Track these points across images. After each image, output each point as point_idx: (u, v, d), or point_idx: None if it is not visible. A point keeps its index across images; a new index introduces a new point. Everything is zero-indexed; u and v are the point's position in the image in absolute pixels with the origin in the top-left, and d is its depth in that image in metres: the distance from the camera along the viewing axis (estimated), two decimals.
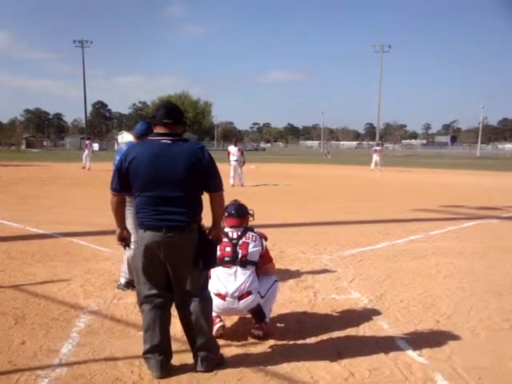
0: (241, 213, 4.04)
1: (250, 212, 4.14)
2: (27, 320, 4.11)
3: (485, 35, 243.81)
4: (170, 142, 3.15)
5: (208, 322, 3.34)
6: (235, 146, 17.86)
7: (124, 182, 3.21)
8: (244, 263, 3.78)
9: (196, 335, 3.28)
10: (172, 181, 3.12)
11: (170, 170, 3.11)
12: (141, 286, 3.28)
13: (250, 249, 3.83)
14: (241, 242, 3.86)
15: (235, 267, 3.77)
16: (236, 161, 17.34)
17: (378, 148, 30.24)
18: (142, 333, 3.33)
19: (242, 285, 3.71)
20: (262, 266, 3.94)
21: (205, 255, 3.25)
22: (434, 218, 10.38)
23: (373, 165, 28.56)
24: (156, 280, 3.23)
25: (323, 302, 4.73)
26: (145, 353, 3.24)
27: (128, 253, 4.80)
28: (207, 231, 3.34)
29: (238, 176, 17.38)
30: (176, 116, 3.23)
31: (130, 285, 4.84)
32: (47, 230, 8.09)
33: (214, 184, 3.27)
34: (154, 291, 3.23)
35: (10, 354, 3.46)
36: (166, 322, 3.30)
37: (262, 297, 3.83)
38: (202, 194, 3.29)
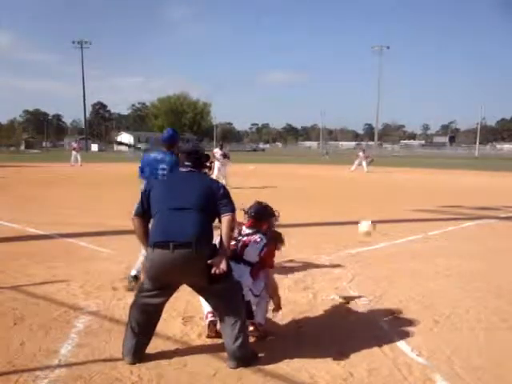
0: (258, 215, 4.02)
1: (276, 213, 4.14)
2: (26, 321, 4.11)
3: (483, 36, 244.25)
4: (186, 170, 3.55)
5: (236, 320, 3.39)
6: (221, 149, 18.03)
7: (145, 206, 3.46)
8: (238, 260, 3.78)
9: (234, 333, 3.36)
10: (182, 195, 3.35)
11: (183, 188, 3.41)
12: (144, 284, 3.45)
13: (248, 249, 3.83)
14: (243, 239, 3.88)
15: (231, 263, 3.79)
16: (221, 164, 17.43)
17: (361, 154, 29.01)
18: None
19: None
20: (260, 268, 3.89)
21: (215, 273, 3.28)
22: (432, 219, 10.40)
23: (354, 166, 27.97)
24: (161, 288, 3.37)
25: (322, 303, 4.73)
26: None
27: (144, 251, 4.87)
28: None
29: (222, 177, 17.45)
30: (195, 158, 3.59)
31: (137, 279, 4.93)
32: (46, 230, 8.08)
33: (224, 204, 3.38)
34: (155, 289, 3.36)
35: (9, 354, 3.46)
36: (153, 319, 3.46)
37: (256, 295, 3.81)
38: (213, 221, 3.41)
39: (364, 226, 2.94)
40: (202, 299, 3.79)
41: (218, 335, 3.72)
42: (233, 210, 3.40)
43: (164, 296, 3.43)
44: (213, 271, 3.23)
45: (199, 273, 3.27)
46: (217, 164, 17.57)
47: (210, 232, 3.36)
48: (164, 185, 3.55)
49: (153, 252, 3.25)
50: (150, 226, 3.49)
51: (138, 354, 3.39)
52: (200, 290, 3.46)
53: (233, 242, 3.83)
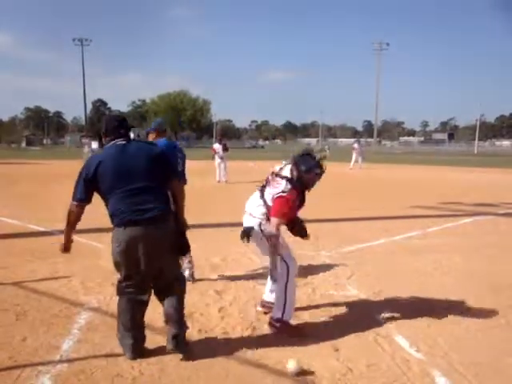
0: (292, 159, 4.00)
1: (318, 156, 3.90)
2: (28, 316, 4.15)
3: (482, 34, 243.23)
4: (124, 142, 3.40)
5: (183, 303, 3.53)
6: (220, 143, 17.99)
7: (89, 190, 3.36)
8: (262, 194, 3.91)
9: (177, 318, 3.45)
10: (138, 172, 3.30)
11: (135, 163, 3.31)
12: (122, 278, 3.44)
13: (267, 189, 3.88)
14: (270, 177, 3.92)
15: (258, 192, 3.96)
16: (221, 158, 17.47)
17: (355, 146, 28.49)
18: None
19: (249, 204, 3.97)
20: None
21: (179, 243, 3.49)
22: (431, 215, 10.42)
23: (352, 163, 27.49)
24: (137, 274, 3.36)
25: (321, 298, 4.76)
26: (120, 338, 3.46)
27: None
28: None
29: (223, 172, 17.49)
30: (127, 126, 3.51)
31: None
32: (48, 227, 8.09)
33: (173, 170, 3.54)
34: (134, 285, 3.40)
35: (11, 350, 3.50)
36: (142, 311, 3.50)
37: (262, 232, 3.82)
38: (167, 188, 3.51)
39: (291, 365, 3.13)
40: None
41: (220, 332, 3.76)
42: (179, 174, 3.61)
43: (144, 288, 3.44)
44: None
45: (168, 245, 3.38)
46: (217, 159, 17.52)
47: (169, 200, 3.50)
48: (113, 164, 3.29)
49: (124, 230, 3.26)
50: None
51: (138, 350, 3.42)
52: (160, 279, 3.45)
53: (268, 177, 3.95)
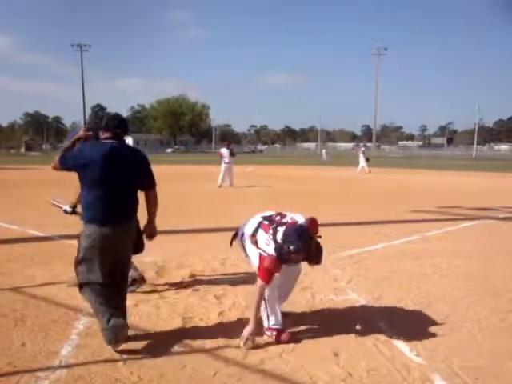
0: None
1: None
2: (27, 322, 4.13)
3: (480, 37, 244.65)
4: (117, 145, 3.63)
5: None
6: (227, 148, 17.92)
7: (71, 168, 3.66)
8: (258, 226, 3.84)
9: (123, 308, 3.73)
10: (124, 177, 3.59)
11: (123, 168, 3.58)
12: (85, 270, 3.63)
13: (259, 234, 3.76)
14: (266, 223, 3.79)
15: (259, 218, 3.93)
16: (228, 163, 17.49)
17: (363, 148, 28.60)
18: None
19: (247, 224, 3.99)
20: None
21: (138, 242, 3.83)
22: (430, 219, 10.42)
23: (359, 168, 27.41)
24: (104, 268, 3.55)
25: (321, 303, 4.75)
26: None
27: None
28: (143, 227, 3.91)
29: (229, 177, 17.58)
30: (125, 127, 3.75)
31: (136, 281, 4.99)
32: (46, 232, 8.10)
33: (152, 180, 3.81)
34: (100, 279, 3.55)
35: (10, 355, 3.48)
36: (108, 294, 3.61)
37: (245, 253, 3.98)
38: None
39: None
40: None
41: (221, 336, 3.74)
42: (156, 183, 3.82)
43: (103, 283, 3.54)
44: (148, 240, 3.92)
45: (130, 242, 3.73)
46: (224, 165, 17.51)
47: (138, 204, 3.77)
48: (101, 165, 3.47)
49: (96, 228, 3.52)
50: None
51: (121, 333, 3.51)
52: (121, 262, 3.70)
53: (268, 213, 3.93)
